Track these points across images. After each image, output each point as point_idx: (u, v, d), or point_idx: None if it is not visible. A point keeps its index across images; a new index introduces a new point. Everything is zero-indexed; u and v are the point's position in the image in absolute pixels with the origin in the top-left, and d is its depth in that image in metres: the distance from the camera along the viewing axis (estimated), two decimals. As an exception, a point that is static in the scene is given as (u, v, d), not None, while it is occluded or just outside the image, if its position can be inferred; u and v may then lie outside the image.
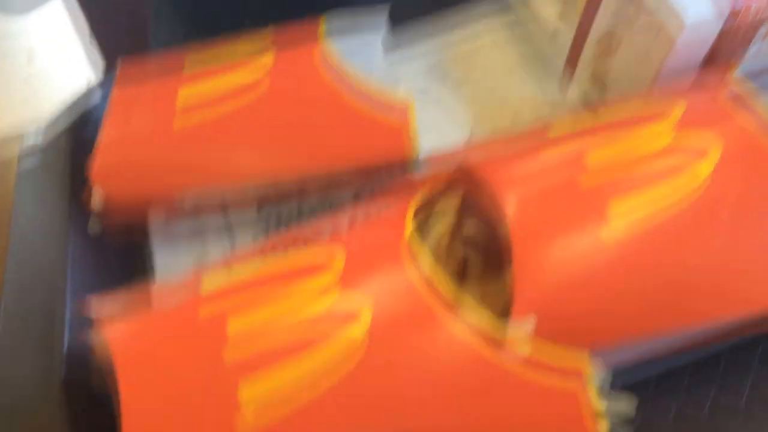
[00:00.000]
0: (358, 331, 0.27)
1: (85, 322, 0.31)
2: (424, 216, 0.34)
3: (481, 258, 0.34)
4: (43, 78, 0.53)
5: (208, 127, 0.39)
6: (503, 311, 0.29)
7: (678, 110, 0.32)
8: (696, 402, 0.30)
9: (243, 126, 0.39)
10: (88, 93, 0.45)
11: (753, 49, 0.38)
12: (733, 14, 0.35)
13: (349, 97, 0.38)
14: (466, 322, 0.27)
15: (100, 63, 0.56)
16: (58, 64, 0.55)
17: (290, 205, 0.41)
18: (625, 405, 0.28)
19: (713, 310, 0.29)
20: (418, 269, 0.29)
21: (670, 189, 0.30)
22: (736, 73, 0.35)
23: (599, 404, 0.26)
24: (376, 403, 0.26)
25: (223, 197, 0.40)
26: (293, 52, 0.42)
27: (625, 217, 0.29)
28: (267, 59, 0.41)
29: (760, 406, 0.29)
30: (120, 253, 0.41)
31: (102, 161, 0.38)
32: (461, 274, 0.34)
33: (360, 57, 0.42)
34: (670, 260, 0.29)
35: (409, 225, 0.31)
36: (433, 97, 0.45)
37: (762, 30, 0.37)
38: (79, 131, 0.42)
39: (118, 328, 0.29)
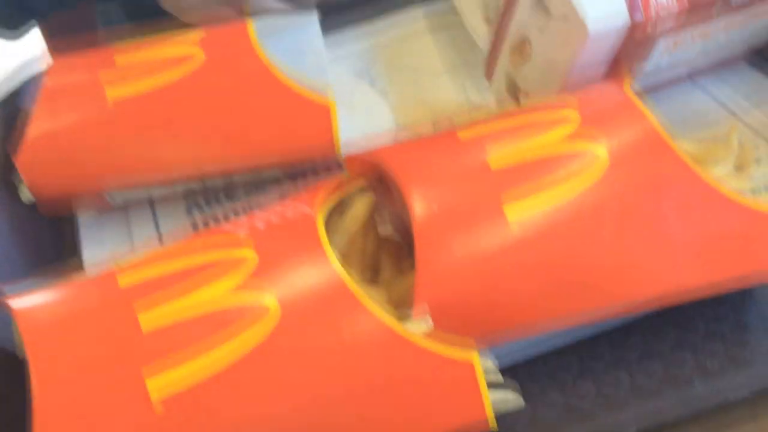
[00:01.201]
0: (268, 325, 0.29)
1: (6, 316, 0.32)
2: (339, 214, 0.35)
3: (393, 259, 0.36)
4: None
5: (137, 113, 0.39)
6: (404, 312, 0.30)
7: (576, 117, 0.34)
8: (581, 395, 0.32)
9: (172, 110, 0.40)
10: (22, 83, 0.45)
11: (653, 59, 0.40)
12: (634, 25, 0.36)
13: (278, 73, 0.40)
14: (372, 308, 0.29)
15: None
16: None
17: (217, 208, 0.43)
18: (513, 396, 0.30)
19: (597, 302, 0.31)
20: (329, 265, 0.30)
21: (563, 191, 0.31)
22: (635, 82, 0.37)
23: (488, 378, 0.29)
24: (284, 372, 0.28)
25: (151, 192, 0.41)
26: (225, 28, 0.43)
27: (521, 219, 0.31)
28: (198, 33, 0.42)
29: (638, 400, 0.31)
30: (47, 246, 0.42)
31: (29, 154, 0.39)
32: (373, 275, 0.35)
33: (290, 55, 0.43)
34: (559, 257, 0.31)
35: (321, 223, 0.32)
36: (358, 99, 0.46)
37: (662, 42, 0.39)
38: (9, 119, 0.42)
39: (28, 303, 0.30)
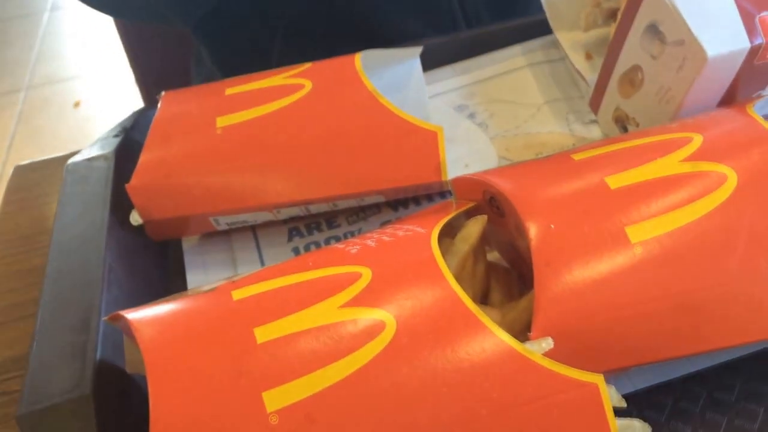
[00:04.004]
0: (383, 340, 0.28)
1: (117, 334, 0.32)
2: (449, 240, 0.34)
3: (502, 284, 0.35)
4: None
5: (245, 139, 0.40)
6: (519, 336, 0.29)
7: (698, 137, 0.33)
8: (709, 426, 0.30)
9: (279, 135, 0.40)
10: (133, 116, 0.47)
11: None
12: (754, 50, 0.36)
13: (385, 101, 0.40)
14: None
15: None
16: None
17: (318, 235, 0.43)
18: (639, 423, 0.28)
19: (724, 336, 0.30)
20: (446, 282, 0.30)
21: (688, 212, 0.30)
22: (754, 108, 0.36)
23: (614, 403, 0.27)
24: (400, 388, 0.27)
25: (255, 217, 0.42)
26: (333, 60, 0.44)
27: (643, 244, 0.30)
28: (305, 65, 0.43)
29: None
30: (153, 272, 0.42)
31: (140, 178, 0.40)
32: (483, 299, 0.34)
33: (393, 87, 0.44)
34: (685, 282, 0.29)
35: (435, 241, 0.32)
36: (459, 133, 0.46)
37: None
38: (122, 151, 0.44)
39: (144, 316, 0.30)
